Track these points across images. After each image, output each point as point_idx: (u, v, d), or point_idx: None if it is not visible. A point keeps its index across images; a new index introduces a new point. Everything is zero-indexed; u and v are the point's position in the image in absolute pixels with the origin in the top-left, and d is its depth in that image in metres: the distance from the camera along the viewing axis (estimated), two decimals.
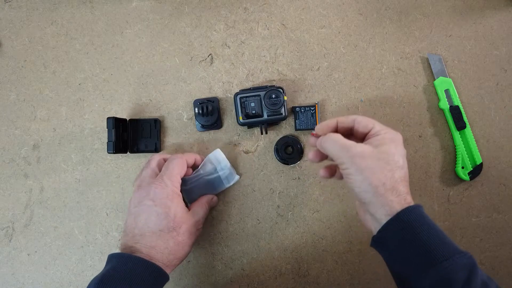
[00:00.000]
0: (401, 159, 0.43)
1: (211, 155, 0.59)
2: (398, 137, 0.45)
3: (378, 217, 0.43)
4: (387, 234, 0.42)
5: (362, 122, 0.46)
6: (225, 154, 0.61)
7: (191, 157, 0.57)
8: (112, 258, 0.48)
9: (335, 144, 0.45)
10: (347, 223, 0.62)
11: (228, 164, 0.60)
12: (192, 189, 0.58)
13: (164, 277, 0.48)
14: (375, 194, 0.42)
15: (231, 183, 0.60)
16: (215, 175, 0.59)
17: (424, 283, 0.39)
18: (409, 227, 0.40)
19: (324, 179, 0.58)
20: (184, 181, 0.56)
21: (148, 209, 0.49)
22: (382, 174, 0.42)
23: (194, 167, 0.59)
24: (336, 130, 0.48)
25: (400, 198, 0.42)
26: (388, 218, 0.41)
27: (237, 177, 0.61)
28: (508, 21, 0.65)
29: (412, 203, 0.43)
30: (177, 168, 0.52)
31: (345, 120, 0.47)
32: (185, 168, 0.54)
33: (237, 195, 0.62)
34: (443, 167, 0.63)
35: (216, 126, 0.62)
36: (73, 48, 0.63)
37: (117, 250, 0.61)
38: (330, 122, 0.48)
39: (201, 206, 0.55)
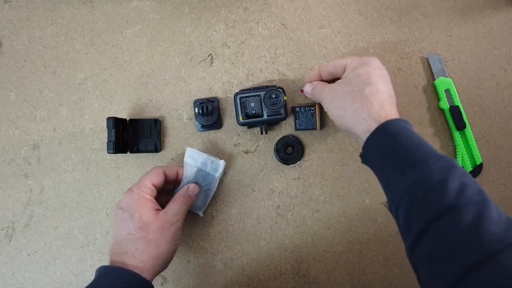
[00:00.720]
0: (370, 77, 0.47)
1: (185, 159, 0.57)
2: (368, 60, 0.49)
3: (361, 137, 0.46)
4: (369, 149, 0.46)
5: (337, 63, 0.52)
6: (225, 154, 0.61)
7: (171, 169, 0.56)
8: (95, 273, 0.49)
9: (317, 90, 0.53)
10: (347, 223, 0.62)
11: (205, 155, 0.58)
12: None
13: (140, 281, 0.46)
14: (350, 116, 0.46)
15: (220, 171, 0.58)
16: (201, 173, 0.58)
17: (403, 185, 0.41)
18: (388, 138, 0.43)
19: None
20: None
21: (118, 217, 0.51)
22: (349, 96, 0.47)
23: (178, 179, 0.57)
24: (321, 78, 0.56)
25: (376, 113, 0.45)
26: (368, 134, 0.45)
27: (221, 162, 0.58)
28: (508, 21, 0.65)
29: (393, 118, 0.45)
30: (149, 177, 0.53)
31: (326, 67, 0.54)
32: (160, 177, 0.54)
33: (237, 195, 0.62)
34: None
35: (216, 126, 0.62)
36: (73, 48, 0.63)
37: None
38: (313, 74, 0.56)
39: (174, 201, 0.53)
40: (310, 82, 0.56)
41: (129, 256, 0.47)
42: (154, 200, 0.52)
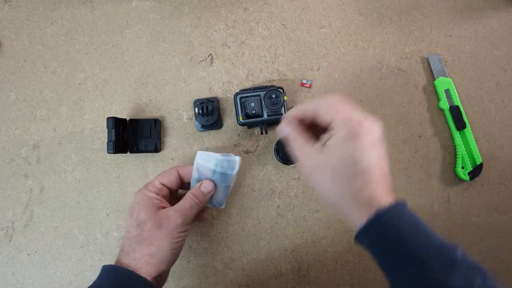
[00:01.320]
0: (362, 161, 0.36)
1: (197, 160, 0.53)
2: (362, 130, 0.37)
3: (350, 224, 0.40)
4: (362, 240, 0.39)
5: (321, 116, 0.40)
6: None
7: (187, 169, 0.53)
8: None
9: (293, 144, 0.42)
10: (347, 223, 0.62)
11: (218, 156, 0.53)
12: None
13: (132, 277, 0.45)
14: (336, 208, 0.39)
15: (237, 168, 0.53)
16: (217, 175, 0.53)
17: (401, 281, 0.37)
18: (380, 233, 0.37)
19: None
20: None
21: (127, 215, 0.50)
22: (335, 181, 0.38)
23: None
24: (302, 120, 0.43)
25: (366, 205, 0.37)
26: (358, 225, 0.38)
27: (237, 158, 0.53)
28: (508, 21, 0.65)
29: (385, 207, 0.37)
30: (159, 176, 0.52)
31: (306, 111, 0.41)
32: (170, 176, 0.52)
33: (237, 195, 0.62)
34: (443, 167, 0.63)
35: (216, 126, 0.62)
36: (73, 48, 0.63)
37: (117, 251, 0.61)
38: (294, 114, 0.43)
39: (183, 199, 0.50)
40: (287, 119, 0.43)
41: (124, 254, 0.47)
42: (160, 198, 0.50)
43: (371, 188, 0.37)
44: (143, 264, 0.46)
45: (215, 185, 0.53)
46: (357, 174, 0.37)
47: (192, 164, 0.53)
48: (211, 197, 0.54)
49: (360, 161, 0.36)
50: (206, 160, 0.53)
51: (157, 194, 0.50)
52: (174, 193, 0.55)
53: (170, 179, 0.52)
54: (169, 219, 0.48)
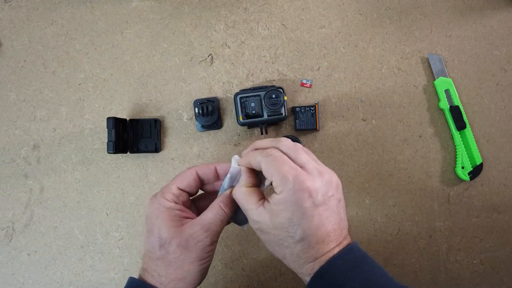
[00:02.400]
0: (295, 231, 0.36)
1: (234, 166, 0.45)
2: (300, 195, 0.36)
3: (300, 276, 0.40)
4: None
5: (264, 174, 0.39)
6: (225, 154, 0.61)
7: (207, 167, 0.45)
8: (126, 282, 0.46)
9: (238, 200, 0.41)
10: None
11: None
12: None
13: None
14: (284, 263, 0.40)
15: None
16: None
17: None
18: (328, 283, 0.37)
19: None
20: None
21: (145, 227, 0.45)
22: (279, 249, 0.38)
23: (220, 177, 0.46)
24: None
25: (308, 269, 0.38)
26: (307, 279, 0.38)
27: None
28: (508, 21, 0.65)
29: (334, 255, 0.37)
30: (176, 179, 0.44)
31: (254, 164, 0.40)
32: (188, 178, 0.44)
33: None
34: (443, 167, 0.63)
35: (216, 126, 0.62)
36: (73, 48, 0.63)
37: (117, 251, 0.61)
38: (244, 163, 0.42)
39: (210, 209, 0.43)
40: (242, 163, 0.43)
41: (149, 275, 0.42)
42: (182, 208, 0.43)
43: (313, 249, 0.37)
44: (172, 286, 0.42)
45: None
46: (297, 240, 0.37)
47: (210, 163, 0.46)
48: (236, 212, 0.45)
49: (299, 228, 0.36)
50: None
51: (176, 202, 0.43)
52: (194, 195, 0.48)
53: (189, 182, 0.44)
54: (196, 239, 0.41)
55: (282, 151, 0.39)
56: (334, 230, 0.38)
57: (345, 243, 0.39)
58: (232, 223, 0.47)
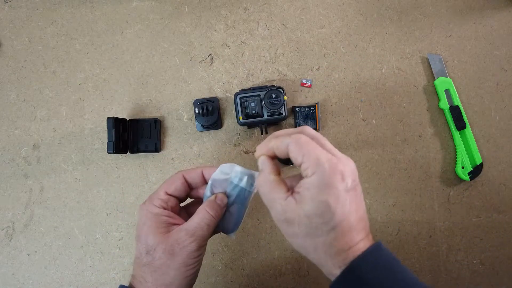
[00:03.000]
0: (336, 213, 0.34)
1: (214, 177, 0.44)
2: (334, 177, 0.34)
3: (324, 273, 0.38)
4: None
5: (293, 156, 0.37)
6: (225, 154, 0.61)
7: (193, 171, 0.45)
8: None
9: (266, 189, 0.38)
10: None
11: (239, 168, 0.44)
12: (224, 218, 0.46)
13: None
14: (309, 257, 0.37)
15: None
16: (234, 187, 0.44)
17: None
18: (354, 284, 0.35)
19: None
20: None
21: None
22: (309, 240, 0.36)
23: (201, 181, 0.46)
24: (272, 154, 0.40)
25: (339, 260, 0.36)
26: (331, 278, 0.37)
27: (257, 173, 0.44)
28: (508, 21, 0.65)
29: (359, 255, 0.36)
30: (163, 185, 0.44)
31: (279, 149, 0.38)
32: (176, 183, 0.44)
33: None
34: (443, 167, 0.63)
35: (216, 126, 0.62)
36: (73, 48, 0.63)
37: (117, 251, 0.61)
38: (264, 146, 0.40)
39: (196, 214, 0.43)
40: (261, 153, 0.40)
41: (137, 281, 0.42)
42: (170, 213, 0.43)
43: (346, 237, 0.35)
44: None
45: (229, 205, 0.45)
46: (332, 227, 0.35)
47: (197, 167, 0.47)
48: (221, 220, 0.45)
49: (335, 213, 0.34)
50: (224, 173, 0.44)
51: (164, 208, 0.43)
52: (183, 200, 0.47)
53: (177, 187, 0.44)
54: (182, 245, 0.41)
55: (309, 136, 0.37)
56: (363, 219, 0.37)
57: (371, 237, 0.38)
58: (220, 233, 0.47)
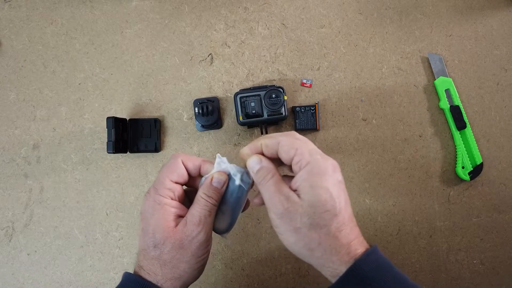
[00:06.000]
0: (334, 201, 0.35)
1: (217, 161, 0.43)
2: (324, 166, 0.36)
3: (325, 274, 0.38)
4: None
5: (283, 153, 0.38)
6: (225, 154, 0.60)
7: (193, 160, 0.43)
8: (122, 276, 0.45)
9: (264, 189, 0.38)
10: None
11: (235, 166, 0.43)
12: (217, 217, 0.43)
13: None
14: (316, 258, 0.37)
15: (250, 181, 0.43)
16: (231, 184, 0.43)
17: None
18: (358, 284, 0.36)
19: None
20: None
21: (140, 223, 0.43)
22: (313, 233, 0.36)
23: (202, 175, 0.44)
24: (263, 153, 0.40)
25: (344, 253, 0.36)
26: (336, 279, 0.36)
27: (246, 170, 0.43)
28: (509, 20, 0.65)
29: (361, 255, 0.36)
30: (166, 172, 0.42)
31: (269, 144, 0.39)
32: (178, 170, 0.42)
33: None
34: (443, 167, 0.63)
35: (216, 126, 0.62)
36: (73, 47, 0.63)
37: (117, 250, 0.61)
38: (254, 146, 0.40)
39: (195, 204, 0.41)
40: (255, 153, 0.40)
41: (145, 273, 0.41)
42: (177, 204, 0.42)
43: (347, 227, 0.36)
44: (169, 285, 0.41)
45: (221, 204, 0.43)
46: (334, 214, 0.35)
47: (195, 157, 0.44)
48: (217, 220, 0.43)
49: (335, 199, 0.35)
50: (221, 166, 0.43)
51: (172, 198, 0.41)
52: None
53: (180, 174, 0.42)
54: (190, 237, 0.40)
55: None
56: (353, 216, 0.38)
57: (362, 237, 0.39)
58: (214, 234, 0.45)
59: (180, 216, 0.41)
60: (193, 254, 0.41)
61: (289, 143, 0.37)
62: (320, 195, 0.35)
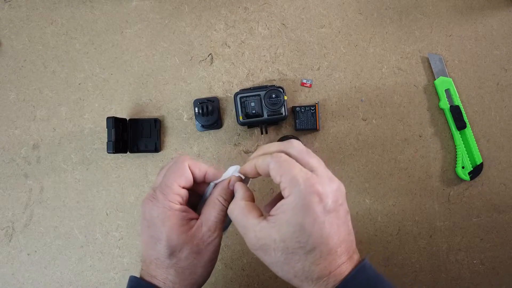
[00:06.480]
0: (312, 236, 0.33)
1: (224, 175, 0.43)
2: (311, 198, 0.33)
3: None
4: None
5: (272, 176, 0.36)
6: (225, 154, 0.60)
7: (199, 166, 0.42)
8: (128, 281, 0.43)
9: (235, 216, 0.37)
10: None
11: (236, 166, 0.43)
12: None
13: None
14: (294, 283, 0.36)
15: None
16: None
17: None
18: None
19: None
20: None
21: (144, 230, 0.41)
22: (290, 268, 0.35)
23: (207, 181, 0.43)
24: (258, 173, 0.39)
25: (323, 283, 0.34)
26: None
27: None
28: (508, 20, 0.65)
29: (345, 276, 0.35)
30: (173, 176, 0.40)
31: (261, 166, 0.38)
32: (186, 174, 0.40)
33: None
34: (443, 167, 0.63)
35: (216, 126, 0.62)
36: (73, 47, 0.63)
37: (117, 250, 0.61)
38: (248, 166, 0.39)
39: (210, 206, 0.40)
40: (246, 171, 0.40)
41: (159, 282, 0.40)
42: (187, 209, 0.40)
43: (325, 261, 0.34)
44: None
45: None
46: (308, 251, 0.34)
47: (202, 162, 0.43)
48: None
49: (311, 236, 0.33)
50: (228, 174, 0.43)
51: (181, 203, 0.40)
52: None
53: (187, 178, 0.40)
54: (207, 242, 0.39)
55: (292, 154, 0.37)
56: (345, 241, 0.36)
57: (355, 257, 0.37)
58: None
59: (191, 219, 0.40)
60: (209, 258, 0.40)
61: (276, 167, 0.35)
62: (293, 231, 0.33)
